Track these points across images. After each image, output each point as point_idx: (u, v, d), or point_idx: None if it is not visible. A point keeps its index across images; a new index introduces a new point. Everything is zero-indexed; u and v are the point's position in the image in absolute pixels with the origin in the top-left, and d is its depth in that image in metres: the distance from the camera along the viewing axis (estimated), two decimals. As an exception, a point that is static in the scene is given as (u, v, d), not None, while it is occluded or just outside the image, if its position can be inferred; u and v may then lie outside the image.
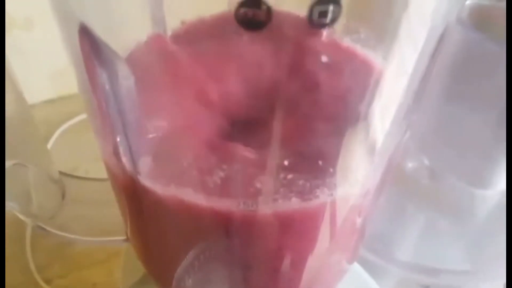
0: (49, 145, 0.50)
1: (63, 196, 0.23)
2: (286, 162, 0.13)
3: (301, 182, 0.14)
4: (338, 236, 0.17)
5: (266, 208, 0.14)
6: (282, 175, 0.13)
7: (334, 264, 0.20)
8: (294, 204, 0.14)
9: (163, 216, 0.16)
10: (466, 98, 0.35)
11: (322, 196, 0.14)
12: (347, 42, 0.15)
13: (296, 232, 0.15)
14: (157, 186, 0.14)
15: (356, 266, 0.28)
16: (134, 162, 0.15)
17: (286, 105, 0.13)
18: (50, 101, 0.57)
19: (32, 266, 0.39)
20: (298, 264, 0.17)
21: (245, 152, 0.13)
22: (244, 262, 0.16)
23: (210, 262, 0.17)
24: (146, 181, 0.15)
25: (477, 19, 0.33)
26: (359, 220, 0.18)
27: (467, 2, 0.33)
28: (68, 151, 0.47)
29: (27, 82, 0.23)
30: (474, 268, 0.32)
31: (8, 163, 0.21)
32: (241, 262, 0.16)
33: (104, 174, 0.24)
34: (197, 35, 0.16)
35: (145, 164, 0.15)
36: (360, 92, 0.13)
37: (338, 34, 0.16)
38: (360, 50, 0.15)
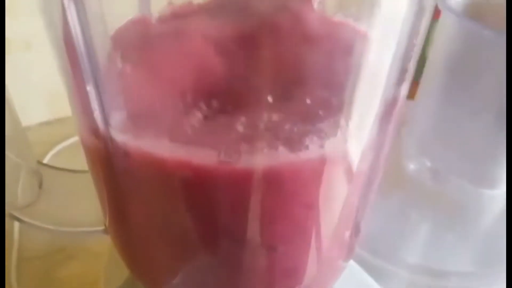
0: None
1: (40, 186, 0.21)
2: (270, 98, 0.11)
3: (287, 126, 0.12)
4: (330, 208, 0.16)
5: (250, 160, 0.13)
6: (266, 115, 0.12)
7: (328, 253, 0.18)
8: (281, 155, 0.13)
9: (140, 184, 0.15)
10: (465, 97, 0.34)
11: (312, 148, 0.13)
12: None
13: (284, 193, 0.14)
14: (131, 143, 0.13)
15: (361, 272, 0.27)
16: (105, 116, 0.13)
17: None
18: (46, 123, 0.56)
19: None
20: (287, 238, 0.15)
21: (225, 88, 0.12)
22: (230, 233, 0.15)
23: (192, 238, 0.16)
24: (119, 137, 0.13)
25: (472, 12, 0.33)
26: (353, 200, 0.17)
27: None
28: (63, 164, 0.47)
29: (23, 104, 0.22)
30: (482, 269, 0.30)
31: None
32: (226, 233, 0.15)
33: (82, 165, 0.23)
34: (184, 16, 0.15)
35: (117, 116, 0.13)
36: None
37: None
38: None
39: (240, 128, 0.12)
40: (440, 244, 0.32)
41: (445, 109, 0.35)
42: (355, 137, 0.14)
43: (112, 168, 0.15)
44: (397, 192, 0.35)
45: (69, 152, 0.52)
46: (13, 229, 0.44)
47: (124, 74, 0.13)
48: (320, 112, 0.12)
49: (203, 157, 0.13)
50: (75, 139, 0.51)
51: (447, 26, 0.34)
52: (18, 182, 0.20)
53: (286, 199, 0.14)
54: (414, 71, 0.15)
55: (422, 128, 0.36)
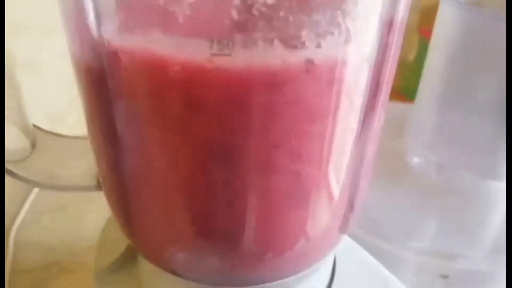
0: (32, 194, 0.49)
1: (33, 146, 0.21)
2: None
3: (282, 13, 0.12)
4: (322, 133, 0.15)
5: (244, 53, 0.12)
6: (261, -1, 0.11)
7: (320, 200, 0.18)
8: (276, 51, 0.12)
9: (134, 99, 0.14)
10: (467, 91, 0.34)
11: (309, 45, 0.13)
12: None
13: (276, 98, 0.13)
14: (123, 43, 0.13)
15: (372, 259, 0.25)
16: (99, 18, 0.13)
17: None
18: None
19: None
20: (280, 167, 0.15)
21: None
22: (224, 147, 0.14)
23: (185, 162, 0.15)
24: (112, 40, 0.13)
25: (471, 3, 0.33)
26: (348, 130, 0.16)
27: (459, -11, 0.33)
28: (55, 205, 0.47)
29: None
30: (487, 252, 0.29)
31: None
32: (220, 148, 0.14)
33: (77, 120, 0.22)
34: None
35: (110, 17, 0.13)
36: None
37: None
38: None
39: (234, 13, 0.12)
40: (447, 230, 0.31)
41: (447, 104, 0.35)
42: (354, 43, 0.13)
43: (106, 85, 0.14)
44: (403, 186, 0.34)
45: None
46: (8, 242, 0.43)
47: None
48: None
49: (196, 49, 0.12)
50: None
51: (447, 19, 0.34)
52: (11, 140, 0.20)
53: (278, 106, 0.13)
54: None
55: (425, 123, 0.36)
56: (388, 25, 0.15)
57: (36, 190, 0.50)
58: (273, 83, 0.13)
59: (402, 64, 0.71)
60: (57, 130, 0.59)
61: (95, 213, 0.45)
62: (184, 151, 0.15)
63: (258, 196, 0.16)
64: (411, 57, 0.70)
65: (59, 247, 0.43)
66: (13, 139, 0.20)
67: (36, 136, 0.21)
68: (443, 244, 0.29)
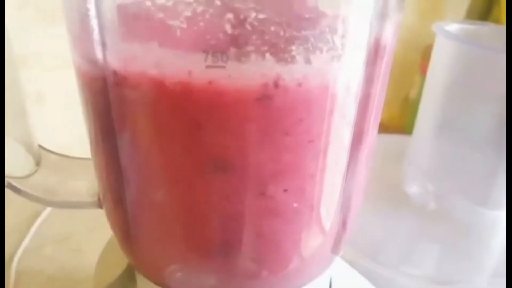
0: (36, 223, 0.49)
1: (37, 164, 0.21)
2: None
3: (273, 27, 0.13)
4: (316, 146, 0.16)
5: (237, 65, 0.13)
6: (253, 14, 0.12)
7: (313, 221, 0.18)
8: (268, 63, 0.13)
9: (132, 108, 0.15)
10: (463, 123, 0.34)
11: (300, 60, 0.13)
12: None
13: (267, 111, 0.14)
14: (123, 53, 0.14)
15: (368, 284, 0.26)
16: (103, 37, 0.14)
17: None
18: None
19: None
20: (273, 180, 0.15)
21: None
22: (219, 156, 0.15)
23: (183, 170, 0.15)
24: (114, 55, 0.14)
25: (465, 37, 0.34)
26: (339, 147, 0.17)
27: (454, 24, 0.34)
28: (62, 221, 0.47)
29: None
30: (483, 278, 0.29)
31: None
32: (215, 156, 0.15)
33: (82, 153, 0.23)
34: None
35: (112, 33, 0.14)
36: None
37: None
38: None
39: (227, 27, 0.13)
40: (443, 257, 0.31)
41: (444, 136, 0.35)
42: (343, 60, 0.14)
43: (106, 97, 0.15)
44: (402, 213, 0.35)
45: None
46: (10, 271, 0.43)
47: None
48: (306, 16, 0.13)
49: (192, 61, 0.13)
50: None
51: (443, 54, 0.35)
52: (17, 158, 0.21)
53: (269, 117, 0.14)
54: (399, 12, 0.16)
55: (422, 153, 0.37)
56: (375, 46, 0.15)
57: (39, 220, 0.50)
58: (264, 95, 0.14)
59: (405, 102, 0.72)
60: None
61: (96, 244, 0.45)
62: (182, 166, 0.15)
63: (253, 216, 0.17)
64: (414, 95, 0.71)
65: (60, 276, 0.43)
66: (19, 157, 0.21)
67: (41, 155, 0.22)
68: (438, 271, 0.29)
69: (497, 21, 0.63)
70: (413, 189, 0.36)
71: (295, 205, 0.17)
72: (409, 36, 0.72)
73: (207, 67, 0.13)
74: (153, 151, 0.16)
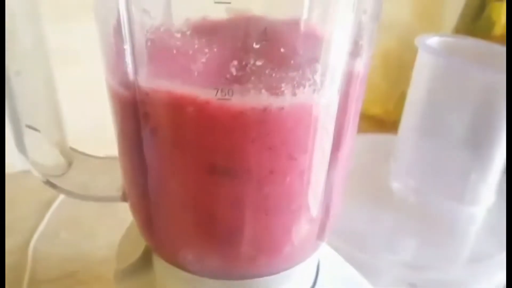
0: (51, 209, 0.53)
1: (69, 164, 0.26)
2: (255, 45, 0.16)
3: (267, 71, 0.17)
4: (301, 158, 0.20)
5: (240, 99, 0.17)
6: (252, 61, 0.17)
7: (301, 212, 0.22)
8: (263, 97, 0.17)
9: (158, 122, 0.19)
10: (441, 127, 0.38)
11: (287, 93, 0.18)
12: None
13: (263, 132, 0.18)
14: (152, 85, 0.18)
15: (351, 268, 0.30)
16: (136, 69, 0.18)
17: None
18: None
19: None
20: (267, 182, 0.19)
21: (221, 40, 0.16)
22: (227, 163, 0.19)
23: (197, 175, 0.20)
24: (144, 83, 0.18)
25: (445, 51, 0.38)
26: (321, 159, 0.21)
27: (436, 38, 0.38)
28: (74, 208, 0.50)
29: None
30: (459, 265, 0.33)
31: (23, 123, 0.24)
32: (224, 163, 0.19)
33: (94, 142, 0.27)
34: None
35: (143, 68, 0.18)
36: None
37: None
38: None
39: (233, 70, 0.17)
40: (420, 246, 0.35)
41: (425, 137, 0.39)
42: (321, 91, 0.18)
43: (136, 114, 0.19)
44: (385, 206, 0.39)
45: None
46: (27, 252, 0.46)
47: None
48: (292, 62, 0.17)
49: (206, 94, 0.17)
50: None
51: (425, 66, 0.39)
52: (53, 159, 0.25)
53: (267, 140, 0.18)
54: (369, 49, 0.20)
55: (406, 152, 0.41)
56: (349, 77, 0.20)
57: (54, 206, 0.53)
58: (261, 120, 0.18)
59: (400, 98, 0.76)
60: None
61: (107, 228, 0.48)
62: (197, 169, 0.20)
63: (253, 209, 0.21)
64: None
65: (75, 259, 0.46)
66: (54, 158, 0.25)
67: (72, 156, 0.26)
68: (416, 258, 0.33)
69: (489, 18, 0.66)
70: (396, 184, 0.40)
71: (286, 200, 0.21)
72: (406, 35, 0.75)
73: (218, 99, 0.17)
74: (174, 157, 0.20)
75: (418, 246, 0.36)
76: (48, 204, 0.53)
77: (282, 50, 0.17)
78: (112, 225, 0.33)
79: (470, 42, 0.39)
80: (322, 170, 0.21)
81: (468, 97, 0.36)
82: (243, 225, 0.21)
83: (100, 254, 0.47)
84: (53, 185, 0.24)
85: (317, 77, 0.18)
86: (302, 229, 0.23)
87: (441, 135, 0.38)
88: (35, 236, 0.48)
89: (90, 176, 0.26)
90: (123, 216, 0.27)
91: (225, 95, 0.17)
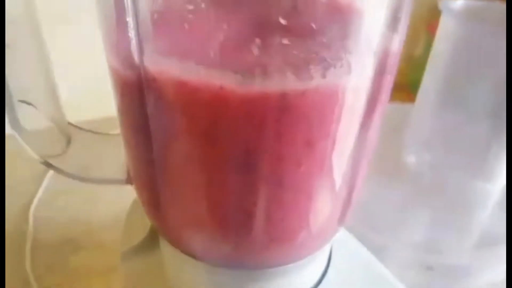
0: (48, 174, 0.52)
1: (68, 142, 0.23)
2: (282, 20, 0.14)
3: (295, 51, 0.14)
4: (326, 146, 0.18)
5: (262, 83, 0.15)
6: (277, 39, 0.14)
7: (322, 198, 0.20)
8: (289, 80, 0.15)
9: (167, 111, 0.17)
10: (462, 97, 0.36)
11: (315, 76, 0.15)
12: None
13: (290, 121, 0.16)
14: (161, 68, 0.15)
15: (363, 249, 0.28)
16: (141, 48, 0.16)
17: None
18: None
19: (31, 276, 0.39)
20: (288, 173, 0.17)
21: (242, 14, 0.14)
22: (242, 159, 0.17)
23: (210, 167, 0.18)
24: (150, 62, 0.16)
25: (470, 16, 0.36)
26: (348, 145, 0.19)
27: (461, 1, 0.35)
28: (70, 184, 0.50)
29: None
30: (474, 248, 0.32)
31: (15, 99, 0.22)
32: (240, 159, 0.17)
33: (111, 129, 0.25)
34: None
35: (150, 44, 0.16)
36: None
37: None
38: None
39: (255, 50, 0.14)
40: (435, 226, 0.33)
41: (444, 108, 0.37)
42: (353, 77, 0.16)
43: (142, 97, 0.17)
44: (398, 182, 0.37)
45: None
46: (28, 220, 0.46)
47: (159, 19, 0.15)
48: (324, 40, 0.15)
49: (223, 78, 0.15)
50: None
51: (448, 31, 0.36)
52: (49, 136, 0.23)
53: (289, 127, 0.16)
54: (405, 24, 0.17)
55: (422, 124, 0.39)
56: (383, 56, 0.17)
57: (51, 172, 0.52)
58: (285, 107, 0.16)
59: (410, 59, 0.73)
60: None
61: (105, 195, 0.47)
62: (209, 157, 0.18)
63: (269, 193, 0.19)
64: (419, 52, 0.72)
65: (74, 225, 0.46)
66: (51, 136, 0.23)
67: (70, 131, 0.24)
68: (430, 239, 0.31)
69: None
70: (410, 158, 0.39)
71: (307, 185, 0.19)
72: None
73: (237, 83, 0.15)
74: (183, 144, 0.18)
75: (432, 227, 0.34)
76: (46, 169, 0.52)
77: (313, 26, 0.14)
78: (110, 191, 0.32)
79: (497, 6, 0.36)
80: (348, 153, 0.19)
81: (494, 66, 0.34)
82: (260, 210, 0.20)
83: (99, 220, 0.47)
84: (51, 166, 0.22)
85: (350, 57, 0.16)
86: (324, 214, 0.22)
87: (462, 106, 0.36)
88: (34, 202, 0.48)
89: (90, 155, 0.24)
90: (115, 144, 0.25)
91: (246, 79, 0.15)
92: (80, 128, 0.25)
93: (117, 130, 0.22)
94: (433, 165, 0.37)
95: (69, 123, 0.24)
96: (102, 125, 0.56)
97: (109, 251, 0.43)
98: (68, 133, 0.24)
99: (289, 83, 0.15)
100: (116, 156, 0.24)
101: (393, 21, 0.16)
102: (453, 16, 0.34)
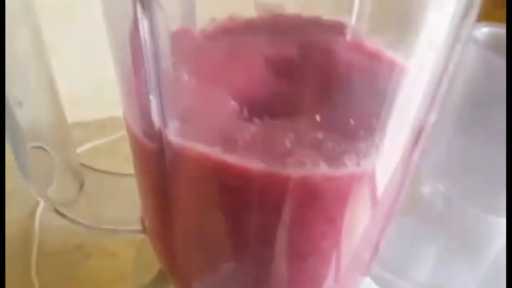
0: None
1: (81, 187, 0.23)
2: (318, 117, 0.13)
3: (330, 144, 0.14)
4: (356, 223, 0.17)
5: (293, 171, 0.14)
6: (312, 134, 0.13)
7: (347, 269, 0.20)
8: (321, 169, 0.14)
9: (189, 185, 0.16)
10: (479, 127, 0.35)
11: (350, 165, 0.14)
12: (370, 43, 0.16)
13: (319, 204, 0.15)
14: (185, 146, 0.15)
15: (372, 284, 0.28)
16: (164, 122, 0.15)
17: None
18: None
19: (37, 284, 0.38)
20: (312, 247, 0.17)
21: (277, 108, 0.13)
22: (263, 238, 0.16)
23: (229, 239, 0.17)
24: (174, 141, 0.15)
25: (493, 44, 0.34)
26: (377, 220, 0.18)
27: (484, 29, 0.34)
28: None
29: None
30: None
31: (28, 145, 0.21)
32: (260, 238, 0.16)
33: (124, 169, 0.24)
34: (226, 32, 0.17)
35: (175, 123, 0.15)
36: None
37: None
38: (383, 50, 0.16)
39: (288, 143, 0.13)
40: (448, 264, 0.33)
41: (459, 138, 0.36)
42: (386, 158, 0.15)
43: (163, 168, 0.16)
44: (411, 213, 0.36)
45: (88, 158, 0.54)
46: (34, 226, 0.45)
47: (183, 84, 0.14)
48: (361, 133, 0.14)
49: (252, 165, 0.14)
50: (93, 143, 0.52)
51: (467, 56, 0.35)
52: (59, 180, 0.22)
53: (317, 211, 0.15)
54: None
55: (437, 154, 0.38)
56: (418, 131, 0.16)
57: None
58: (311, 191, 0.15)
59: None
60: (73, 114, 0.60)
61: (113, 199, 0.47)
62: (228, 228, 0.17)
63: (288, 264, 0.18)
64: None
65: (80, 231, 0.46)
66: (63, 181, 0.22)
67: (83, 174, 0.23)
68: (440, 277, 0.31)
69: None
70: (425, 189, 0.38)
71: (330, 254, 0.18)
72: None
73: (264, 169, 0.14)
74: (207, 219, 0.17)
75: (443, 264, 0.34)
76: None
77: (351, 121, 0.13)
78: (117, 197, 0.31)
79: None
80: (372, 226, 0.19)
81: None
82: (278, 278, 0.19)
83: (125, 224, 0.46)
84: (63, 216, 0.21)
85: (386, 145, 0.15)
86: (347, 275, 0.21)
87: (480, 133, 0.35)
88: (41, 206, 0.45)
89: (105, 202, 0.23)
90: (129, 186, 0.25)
91: (275, 168, 0.14)
92: (94, 169, 0.24)
93: (122, 131, 0.21)
94: (447, 197, 0.37)
95: (81, 164, 0.24)
96: (108, 124, 0.55)
97: (120, 259, 0.43)
98: (80, 175, 0.23)
99: (320, 171, 0.14)
100: (130, 202, 0.23)
101: (436, 89, 0.15)
102: (472, 43, 0.32)
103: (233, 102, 0.14)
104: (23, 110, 0.21)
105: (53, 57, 0.50)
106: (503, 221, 0.34)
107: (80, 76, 0.50)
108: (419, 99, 0.15)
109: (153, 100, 0.14)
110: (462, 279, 0.32)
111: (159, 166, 0.17)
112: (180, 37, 0.16)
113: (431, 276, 0.32)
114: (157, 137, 0.16)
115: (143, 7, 0.12)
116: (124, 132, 0.19)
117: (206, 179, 0.15)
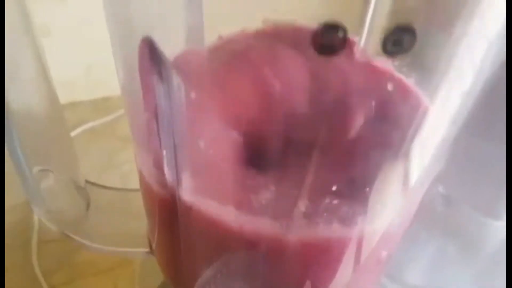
0: None
1: (88, 206, 0.23)
2: (334, 187, 0.13)
3: (344, 208, 0.14)
4: (365, 267, 0.17)
5: (305, 231, 0.14)
6: (327, 200, 0.13)
7: None
8: (334, 229, 0.14)
9: (198, 232, 0.16)
10: (482, 128, 0.34)
11: (363, 224, 0.14)
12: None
13: (330, 259, 0.15)
14: (198, 202, 0.15)
15: None
16: (178, 176, 0.15)
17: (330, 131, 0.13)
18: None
19: (38, 272, 0.39)
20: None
21: (292, 175, 0.13)
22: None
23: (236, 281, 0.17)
24: (187, 196, 0.15)
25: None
26: (386, 253, 0.18)
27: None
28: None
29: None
30: None
31: (35, 169, 0.21)
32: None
33: (128, 184, 0.24)
34: (232, 50, 0.16)
35: (189, 179, 0.15)
36: (406, 126, 0.13)
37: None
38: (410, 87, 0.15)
39: (302, 207, 0.13)
40: (445, 267, 0.33)
41: (462, 139, 0.36)
42: (399, 213, 0.15)
43: (174, 214, 0.16)
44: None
45: (84, 138, 0.53)
46: (33, 213, 0.45)
47: (199, 148, 0.14)
48: (376, 197, 0.14)
49: (265, 227, 0.14)
50: (90, 125, 0.52)
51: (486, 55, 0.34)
52: (65, 200, 0.22)
53: (330, 266, 0.16)
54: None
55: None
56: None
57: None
58: (325, 249, 0.15)
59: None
60: (69, 95, 0.60)
61: (120, 216, 0.47)
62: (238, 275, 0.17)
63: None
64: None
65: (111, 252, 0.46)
66: (70, 201, 0.22)
67: (89, 191, 0.23)
68: (435, 281, 0.31)
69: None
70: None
71: None
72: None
73: (277, 230, 0.14)
74: (214, 255, 0.17)
75: (439, 266, 0.34)
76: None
77: (367, 190, 0.13)
78: (124, 213, 0.31)
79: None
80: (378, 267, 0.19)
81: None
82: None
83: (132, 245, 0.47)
84: (71, 239, 0.21)
85: (399, 205, 0.15)
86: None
87: (490, 135, 0.35)
88: None
89: (111, 221, 0.23)
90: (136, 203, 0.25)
91: (289, 229, 0.14)
92: (99, 186, 0.24)
93: (117, 112, 0.20)
94: (447, 199, 0.37)
95: (87, 181, 0.24)
96: (101, 105, 0.54)
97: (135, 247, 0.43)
98: (86, 194, 0.23)
99: (332, 231, 0.14)
100: (137, 219, 0.23)
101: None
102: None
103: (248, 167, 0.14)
104: (15, 91, 0.20)
105: (48, 38, 0.48)
106: (501, 225, 0.35)
107: (71, 56, 0.49)
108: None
109: (167, 157, 0.14)
110: (459, 283, 0.33)
111: (169, 212, 0.17)
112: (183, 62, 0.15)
113: (426, 280, 0.32)
114: (170, 190, 0.16)
115: (160, 78, 0.12)
116: (118, 113, 0.18)
117: (218, 234, 0.15)
